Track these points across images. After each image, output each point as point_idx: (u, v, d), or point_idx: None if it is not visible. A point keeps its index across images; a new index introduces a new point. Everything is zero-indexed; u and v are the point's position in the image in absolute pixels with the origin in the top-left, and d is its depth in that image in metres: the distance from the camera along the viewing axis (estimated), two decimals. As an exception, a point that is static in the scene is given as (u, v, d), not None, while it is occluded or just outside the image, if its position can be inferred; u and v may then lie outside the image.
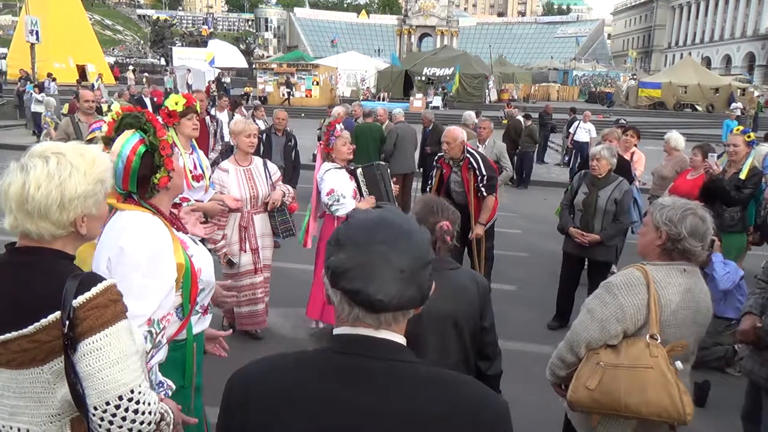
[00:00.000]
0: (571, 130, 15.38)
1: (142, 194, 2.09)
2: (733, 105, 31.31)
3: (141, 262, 1.94)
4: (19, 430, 1.49)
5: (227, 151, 8.02)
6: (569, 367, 2.31)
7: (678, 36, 75.74)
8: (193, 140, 4.52)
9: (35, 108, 17.32)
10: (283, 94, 31.15)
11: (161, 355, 2.05)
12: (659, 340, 2.15)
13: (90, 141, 3.16)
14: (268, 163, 4.90)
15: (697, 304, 2.25)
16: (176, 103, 4.17)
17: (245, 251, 4.63)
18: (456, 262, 2.35)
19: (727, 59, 65.15)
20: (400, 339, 1.15)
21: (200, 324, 2.41)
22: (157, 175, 2.08)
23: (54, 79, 18.36)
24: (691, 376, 4.25)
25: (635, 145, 7.25)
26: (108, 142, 2.11)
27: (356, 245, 1.09)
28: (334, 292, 1.11)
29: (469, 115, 9.94)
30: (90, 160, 1.56)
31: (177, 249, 2.07)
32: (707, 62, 63.57)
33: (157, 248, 2.00)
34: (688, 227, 2.17)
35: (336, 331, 1.15)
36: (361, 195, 4.72)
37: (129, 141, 2.04)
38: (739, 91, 35.50)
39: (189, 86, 30.25)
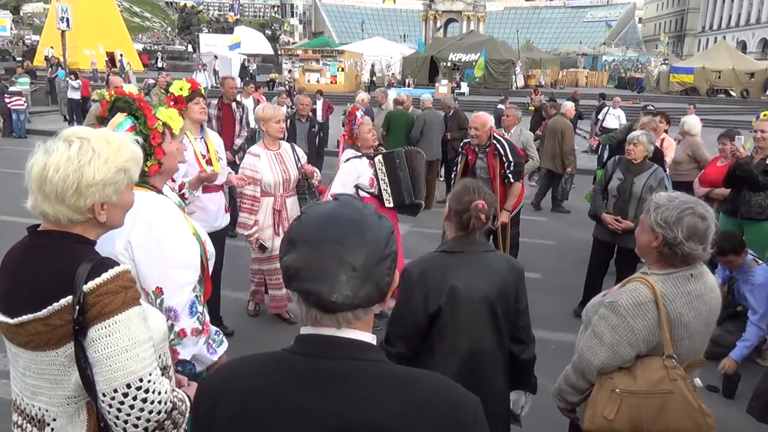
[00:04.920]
0: (600, 117, 15.11)
1: None
2: (769, 90, 30.42)
3: (172, 235, 2.05)
4: (39, 409, 1.51)
5: (252, 138, 8.08)
6: (582, 393, 2.19)
7: (712, 19, 73.47)
8: (204, 124, 4.43)
9: (71, 95, 17.77)
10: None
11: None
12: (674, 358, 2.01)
13: None
14: (296, 147, 4.95)
15: (709, 307, 2.08)
16: (181, 89, 4.08)
17: (279, 234, 4.68)
18: (490, 245, 2.34)
19: (764, 43, 62.93)
20: (365, 337, 1.11)
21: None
22: (148, 163, 2.10)
23: (75, 74, 18.71)
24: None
25: (665, 131, 7.08)
26: (102, 121, 2.13)
27: (307, 243, 1.05)
28: (291, 292, 1.09)
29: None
30: (115, 148, 1.52)
31: (187, 221, 2.20)
32: (743, 46, 61.63)
33: (178, 217, 2.11)
34: (685, 230, 1.96)
35: (302, 330, 1.12)
36: (378, 183, 4.67)
37: (121, 126, 2.05)
38: (775, 75, 34.48)
39: (216, 72, 30.41)
